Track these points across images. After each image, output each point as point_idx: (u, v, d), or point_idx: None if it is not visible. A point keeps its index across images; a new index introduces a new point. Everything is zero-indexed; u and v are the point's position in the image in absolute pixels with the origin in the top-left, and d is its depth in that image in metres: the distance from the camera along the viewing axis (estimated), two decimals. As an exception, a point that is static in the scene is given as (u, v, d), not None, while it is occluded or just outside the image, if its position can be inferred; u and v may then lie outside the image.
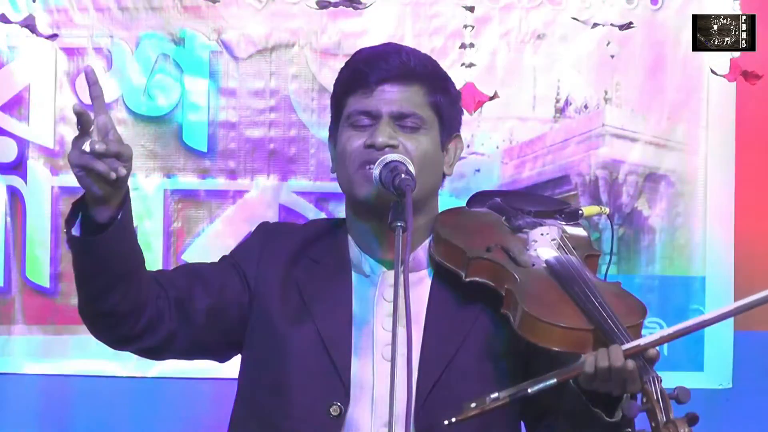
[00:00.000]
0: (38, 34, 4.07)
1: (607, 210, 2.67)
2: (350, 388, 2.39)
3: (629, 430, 2.33)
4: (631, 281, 4.37)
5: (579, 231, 2.55)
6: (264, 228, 2.63)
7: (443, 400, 2.37)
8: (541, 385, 2.29)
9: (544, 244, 2.48)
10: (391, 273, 2.44)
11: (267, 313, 2.46)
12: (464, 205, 2.67)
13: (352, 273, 2.48)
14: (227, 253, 2.63)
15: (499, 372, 2.43)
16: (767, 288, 2.30)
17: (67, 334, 4.29)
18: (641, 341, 2.28)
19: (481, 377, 2.41)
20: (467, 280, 2.42)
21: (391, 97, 2.46)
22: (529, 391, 2.29)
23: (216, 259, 2.63)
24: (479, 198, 2.65)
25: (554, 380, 2.29)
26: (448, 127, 2.53)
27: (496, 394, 2.29)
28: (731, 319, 4.34)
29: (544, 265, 2.43)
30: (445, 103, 2.52)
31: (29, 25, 4.04)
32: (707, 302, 4.33)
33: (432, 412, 2.35)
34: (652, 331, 2.29)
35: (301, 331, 2.43)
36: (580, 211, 2.58)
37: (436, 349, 2.42)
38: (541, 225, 2.51)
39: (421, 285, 2.46)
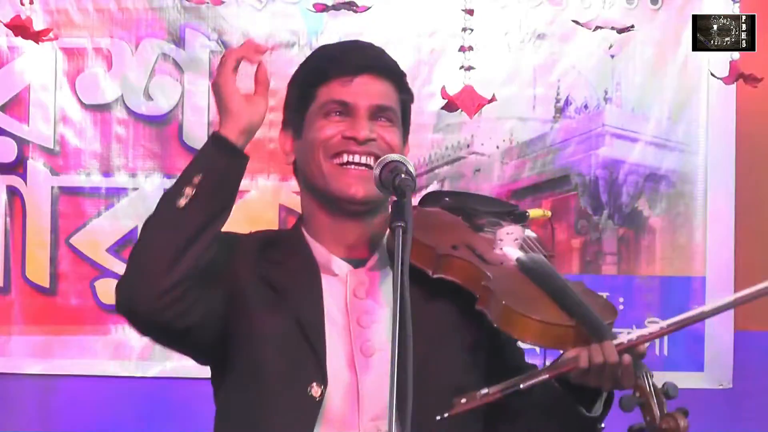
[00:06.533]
0: (39, 41, 4.06)
1: (549, 213, 2.72)
2: (327, 370, 2.37)
3: (602, 425, 2.34)
4: (631, 281, 4.37)
5: (530, 232, 2.57)
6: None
7: (424, 395, 2.35)
8: (533, 381, 2.29)
9: (509, 243, 2.49)
10: (359, 271, 2.43)
11: (242, 302, 2.40)
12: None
13: (321, 274, 2.46)
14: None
15: (472, 365, 2.42)
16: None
17: (67, 334, 4.30)
18: (632, 336, 2.29)
19: (457, 370, 2.39)
20: (435, 276, 2.41)
21: (371, 89, 2.44)
22: (521, 386, 2.29)
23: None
24: (430, 198, 2.64)
25: (546, 375, 2.29)
26: (407, 127, 2.53)
27: (486, 390, 2.29)
28: (731, 320, 4.35)
29: (514, 262, 2.44)
30: (408, 103, 2.52)
31: (26, 32, 4.02)
32: (707, 302, 4.32)
33: (416, 407, 2.33)
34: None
35: (275, 317, 2.40)
36: (527, 213, 2.61)
37: (414, 346, 2.40)
38: (501, 225, 2.52)
39: (387, 282, 2.44)
